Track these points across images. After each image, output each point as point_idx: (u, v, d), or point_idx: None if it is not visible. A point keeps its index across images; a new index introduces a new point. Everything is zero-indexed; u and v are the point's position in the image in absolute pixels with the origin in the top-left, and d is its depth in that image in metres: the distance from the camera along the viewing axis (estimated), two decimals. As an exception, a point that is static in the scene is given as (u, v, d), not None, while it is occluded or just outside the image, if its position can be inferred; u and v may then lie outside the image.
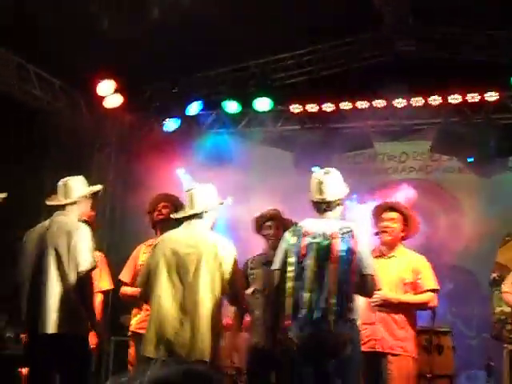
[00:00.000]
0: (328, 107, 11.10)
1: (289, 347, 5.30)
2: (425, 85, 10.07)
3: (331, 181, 5.40)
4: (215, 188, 5.72)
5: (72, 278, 5.50)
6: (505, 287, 6.72)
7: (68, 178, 5.87)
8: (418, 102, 10.65)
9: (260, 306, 6.31)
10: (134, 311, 6.76)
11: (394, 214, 6.25)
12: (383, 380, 5.95)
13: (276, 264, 5.39)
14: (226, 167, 10.79)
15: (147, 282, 5.54)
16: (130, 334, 6.73)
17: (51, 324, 5.42)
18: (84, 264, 5.52)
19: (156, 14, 9.00)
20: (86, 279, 5.57)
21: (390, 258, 6.23)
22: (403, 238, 6.30)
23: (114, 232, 11.12)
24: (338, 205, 5.41)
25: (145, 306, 6.50)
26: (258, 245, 6.73)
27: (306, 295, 5.17)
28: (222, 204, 5.75)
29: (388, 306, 5.99)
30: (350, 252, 5.14)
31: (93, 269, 5.69)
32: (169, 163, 11.42)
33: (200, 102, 11.52)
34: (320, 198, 5.35)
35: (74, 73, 10.01)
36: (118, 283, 6.91)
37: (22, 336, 6.82)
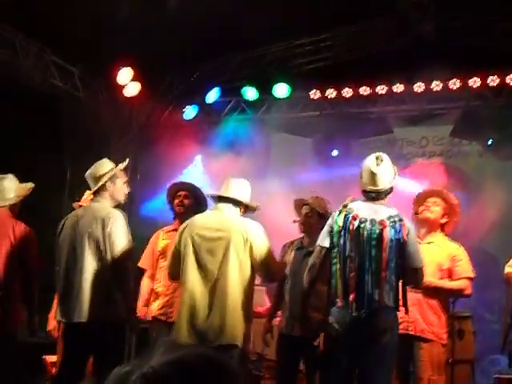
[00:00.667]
0: (347, 93, 11.06)
1: (328, 332, 5.30)
2: (445, 69, 9.99)
3: (384, 171, 5.36)
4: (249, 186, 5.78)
5: (108, 264, 5.48)
6: (508, 268, 6.62)
7: (94, 165, 5.83)
8: (437, 86, 10.58)
9: (287, 291, 6.33)
10: (153, 296, 6.77)
11: (437, 200, 6.25)
12: (415, 365, 6.00)
13: (321, 240, 5.37)
14: (245, 154, 10.79)
15: (176, 266, 5.57)
16: (150, 319, 6.74)
17: (88, 312, 5.42)
18: (120, 250, 5.51)
19: (174, 1, 8.98)
20: (122, 265, 5.55)
21: (429, 243, 6.17)
22: (443, 227, 6.27)
23: (132, 218, 11.14)
24: (389, 193, 5.40)
25: (163, 291, 6.53)
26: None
27: (350, 280, 5.16)
28: (256, 207, 5.77)
29: (425, 290, 5.97)
30: (400, 241, 5.12)
31: (129, 254, 5.68)
32: (187, 150, 11.44)
33: (218, 88, 11.51)
34: (373, 189, 5.34)
35: (93, 61, 10.04)
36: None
37: (53, 324, 6.85)
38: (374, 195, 5.34)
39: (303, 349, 6.08)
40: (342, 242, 5.21)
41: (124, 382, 1.38)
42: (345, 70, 10.82)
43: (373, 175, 5.33)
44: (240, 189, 5.63)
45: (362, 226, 5.19)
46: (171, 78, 11.45)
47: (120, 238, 5.52)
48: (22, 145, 9.51)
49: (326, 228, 5.37)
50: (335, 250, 5.23)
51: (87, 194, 6.04)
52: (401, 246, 5.13)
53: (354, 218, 5.24)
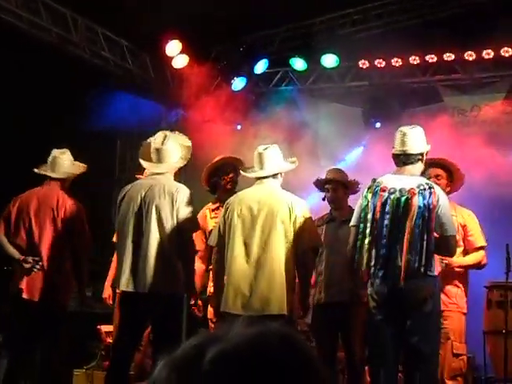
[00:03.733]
0: (396, 62, 10.94)
1: (367, 303, 5.34)
2: (496, 37, 9.82)
3: (414, 134, 5.35)
4: (280, 148, 5.79)
5: (174, 240, 5.53)
6: None
7: (164, 139, 5.76)
8: (488, 54, 10.41)
9: (323, 262, 6.37)
10: (208, 276, 6.82)
11: (439, 171, 6.18)
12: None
13: (353, 220, 5.41)
14: (294, 125, 10.77)
15: (221, 238, 5.62)
16: (209, 294, 6.80)
17: (151, 283, 5.47)
18: (187, 225, 5.57)
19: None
20: (188, 241, 5.64)
21: None
22: (448, 193, 6.24)
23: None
24: (419, 160, 5.36)
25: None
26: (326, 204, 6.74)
27: (383, 251, 5.16)
28: (294, 164, 5.79)
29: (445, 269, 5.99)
30: (429, 209, 5.10)
31: (195, 230, 5.77)
32: (236, 122, 11.47)
33: (266, 59, 11.48)
34: (401, 150, 5.31)
35: (142, 34, 10.09)
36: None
37: (107, 292, 6.97)
38: (403, 159, 5.31)
39: (340, 315, 6.15)
40: (370, 216, 5.22)
41: (196, 360, 1.17)
42: (394, 38, 10.69)
43: (403, 136, 5.31)
44: (272, 161, 5.64)
45: (392, 196, 5.19)
46: (219, 49, 11.46)
47: (187, 213, 5.57)
48: (72, 120, 9.60)
49: (356, 207, 5.44)
50: (362, 226, 5.25)
51: (147, 166, 6.00)
52: (430, 214, 5.10)
53: (383, 190, 5.25)
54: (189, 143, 5.92)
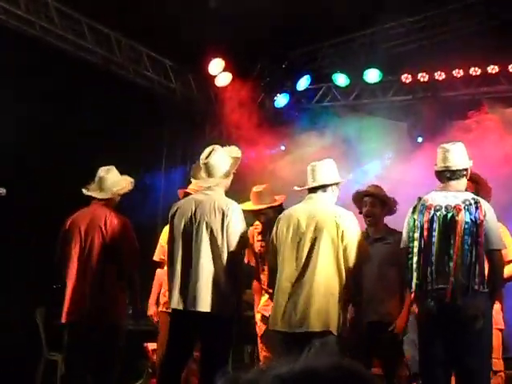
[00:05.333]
0: (439, 75, 10.88)
1: (418, 320, 5.30)
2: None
3: (457, 150, 5.32)
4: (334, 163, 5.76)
5: (224, 257, 5.50)
6: None
7: (210, 157, 5.75)
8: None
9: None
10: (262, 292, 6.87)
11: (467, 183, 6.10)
12: None
13: (402, 242, 5.39)
14: (338, 140, 10.76)
15: (274, 258, 5.61)
16: (257, 312, 6.85)
17: (201, 302, 5.44)
18: (237, 242, 5.52)
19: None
20: (238, 260, 5.61)
21: None
22: None
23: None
24: (463, 176, 5.33)
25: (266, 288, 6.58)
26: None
27: (432, 269, 5.12)
28: (344, 178, 5.78)
29: None
30: (476, 224, 5.05)
31: (245, 247, 5.75)
32: (279, 139, 11.49)
33: (308, 76, 11.50)
34: (444, 166, 5.29)
35: (184, 53, 10.18)
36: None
37: (152, 309, 7.03)
38: (447, 175, 5.28)
39: (377, 332, 6.08)
40: (418, 234, 5.19)
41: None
42: (436, 52, 10.64)
43: (445, 152, 5.29)
44: (323, 172, 5.61)
45: (438, 213, 5.15)
46: (262, 66, 11.51)
47: (238, 230, 5.55)
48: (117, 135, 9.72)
49: (404, 228, 5.39)
50: (413, 245, 5.22)
51: (195, 182, 6.05)
52: (478, 229, 5.05)
53: (429, 208, 5.21)
54: (238, 154, 5.90)
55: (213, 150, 5.75)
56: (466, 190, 5.96)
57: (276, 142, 11.45)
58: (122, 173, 6.52)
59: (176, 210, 5.75)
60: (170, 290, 5.64)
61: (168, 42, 9.88)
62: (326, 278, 5.34)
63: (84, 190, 6.38)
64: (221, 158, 5.75)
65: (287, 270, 5.45)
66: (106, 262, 6.15)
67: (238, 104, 11.41)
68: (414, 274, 5.19)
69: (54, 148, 9.16)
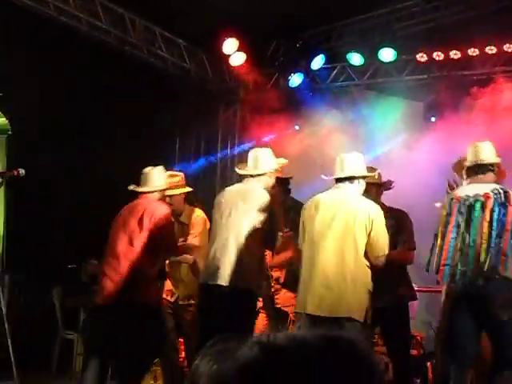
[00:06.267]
0: (455, 54, 10.80)
1: (444, 303, 5.35)
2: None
3: (486, 146, 5.44)
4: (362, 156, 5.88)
5: (256, 239, 5.79)
6: None
7: (258, 149, 6.21)
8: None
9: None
10: None
11: None
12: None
13: (435, 229, 5.49)
14: (353, 120, 10.74)
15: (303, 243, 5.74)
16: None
17: (227, 277, 5.69)
18: (269, 226, 5.83)
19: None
20: (270, 241, 5.96)
21: None
22: None
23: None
24: (491, 171, 5.39)
25: None
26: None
27: (461, 252, 5.17)
28: (372, 173, 5.87)
29: None
30: (505, 211, 5.10)
31: (278, 231, 6.00)
32: (293, 119, 11.48)
33: (323, 55, 11.44)
34: (474, 161, 5.37)
35: (198, 33, 10.16)
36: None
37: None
38: (475, 168, 5.38)
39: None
40: (446, 220, 5.30)
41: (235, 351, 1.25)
42: (452, 31, 10.57)
43: (475, 147, 5.38)
44: (352, 164, 5.70)
45: (467, 202, 5.22)
46: (276, 46, 11.47)
47: (269, 216, 5.81)
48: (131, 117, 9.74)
49: (439, 218, 5.52)
50: (439, 230, 5.37)
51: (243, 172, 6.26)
52: (506, 216, 5.09)
53: (458, 199, 5.29)
54: (284, 161, 6.34)
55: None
56: None
57: (290, 121, 11.44)
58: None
59: (220, 197, 6.16)
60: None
61: (182, 22, 9.86)
62: (354, 267, 5.45)
63: (129, 187, 6.47)
64: (270, 155, 6.11)
65: (313, 257, 5.52)
66: (144, 252, 6.17)
67: (252, 84, 11.40)
68: (441, 256, 5.25)
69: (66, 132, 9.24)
